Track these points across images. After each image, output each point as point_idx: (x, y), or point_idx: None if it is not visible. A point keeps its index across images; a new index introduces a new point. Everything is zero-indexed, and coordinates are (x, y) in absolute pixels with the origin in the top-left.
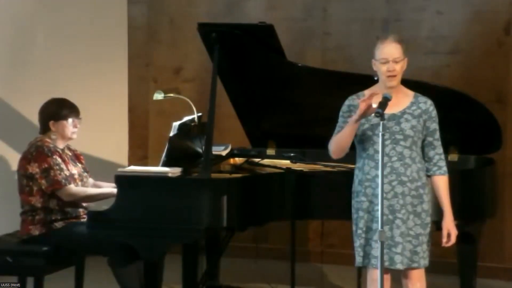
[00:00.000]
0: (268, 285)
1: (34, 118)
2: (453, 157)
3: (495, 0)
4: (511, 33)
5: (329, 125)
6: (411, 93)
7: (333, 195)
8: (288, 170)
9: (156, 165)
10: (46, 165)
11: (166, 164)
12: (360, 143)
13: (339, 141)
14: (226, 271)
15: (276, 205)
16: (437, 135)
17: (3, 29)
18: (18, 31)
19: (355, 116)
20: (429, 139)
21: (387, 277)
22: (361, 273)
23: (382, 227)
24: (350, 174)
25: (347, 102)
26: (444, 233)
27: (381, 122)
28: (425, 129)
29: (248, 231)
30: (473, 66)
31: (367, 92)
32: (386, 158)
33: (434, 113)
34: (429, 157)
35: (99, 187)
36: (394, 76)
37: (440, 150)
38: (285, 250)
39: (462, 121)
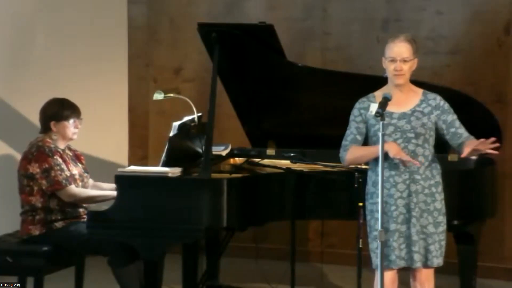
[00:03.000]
0: (268, 285)
1: (34, 118)
2: (453, 157)
3: (495, 0)
4: (511, 33)
5: (330, 125)
6: (420, 91)
7: (333, 195)
8: (288, 170)
9: (156, 165)
10: (46, 165)
11: (166, 164)
12: (373, 144)
13: (360, 158)
14: (226, 271)
15: (276, 205)
16: (458, 124)
17: (3, 29)
18: (18, 31)
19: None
20: (452, 130)
21: (396, 278)
22: (361, 273)
23: (381, 227)
24: (350, 174)
25: (357, 106)
26: (468, 149)
27: (381, 122)
28: (442, 123)
29: (248, 231)
30: (473, 66)
31: (377, 93)
32: None
33: (446, 105)
34: (459, 144)
35: (99, 187)
36: (402, 75)
37: (468, 135)
38: (285, 250)
39: (462, 121)
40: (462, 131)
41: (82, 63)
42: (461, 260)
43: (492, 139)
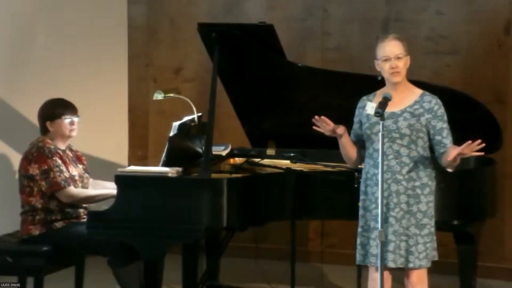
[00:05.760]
0: (268, 285)
1: (34, 118)
2: None
3: (495, 0)
4: (511, 33)
5: None
6: (418, 92)
7: (333, 195)
8: (288, 170)
9: (156, 165)
10: (46, 167)
11: (166, 164)
12: (364, 142)
13: (343, 154)
14: (226, 271)
15: (276, 205)
16: (446, 133)
17: (3, 29)
18: (18, 31)
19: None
20: (437, 137)
21: (387, 276)
22: (361, 273)
23: (382, 227)
24: (350, 174)
25: (358, 104)
26: (454, 153)
27: (381, 122)
28: (431, 128)
29: (248, 231)
30: (473, 66)
31: (378, 92)
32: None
33: (440, 111)
34: (441, 153)
35: (99, 186)
36: (398, 72)
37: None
38: (285, 250)
39: (462, 121)
40: (447, 141)
41: (82, 63)
42: (461, 260)
43: (478, 141)
